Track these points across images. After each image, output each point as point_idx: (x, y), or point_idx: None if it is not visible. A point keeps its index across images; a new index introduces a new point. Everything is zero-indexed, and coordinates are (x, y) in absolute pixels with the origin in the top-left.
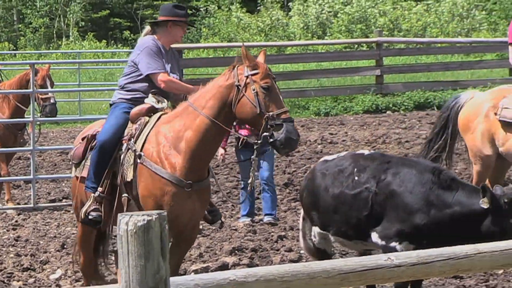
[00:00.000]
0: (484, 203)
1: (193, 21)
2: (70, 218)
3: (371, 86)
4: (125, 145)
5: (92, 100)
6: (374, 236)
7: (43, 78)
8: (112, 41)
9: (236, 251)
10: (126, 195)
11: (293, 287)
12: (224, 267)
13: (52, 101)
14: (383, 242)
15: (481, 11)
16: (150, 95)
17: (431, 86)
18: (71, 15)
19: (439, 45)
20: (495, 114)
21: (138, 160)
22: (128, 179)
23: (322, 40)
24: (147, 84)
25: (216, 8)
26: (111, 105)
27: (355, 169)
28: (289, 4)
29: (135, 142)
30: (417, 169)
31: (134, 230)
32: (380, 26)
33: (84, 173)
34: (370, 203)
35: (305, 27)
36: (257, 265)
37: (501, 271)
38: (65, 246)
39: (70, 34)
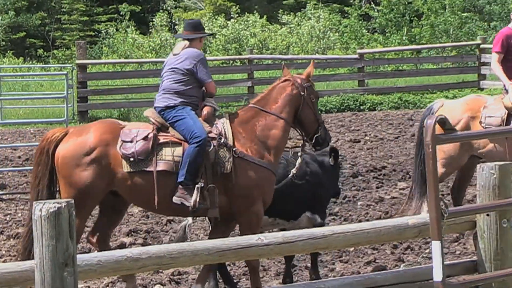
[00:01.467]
0: None
1: (96, 41)
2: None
3: (244, 95)
4: (214, 142)
5: (12, 107)
6: None
7: None
8: (28, 58)
9: (132, 233)
10: (212, 184)
11: (179, 263)
12: (122, 246)
13: None
14: None
15: (334, 33)
16: (208, 99)
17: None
18: None
19: (300, 61)
20: (480, 123)
21: (235, 155)
22: (227, 171)
23: None
24: (201, 90)
25: (115, 30)
26: (168, 107)
27: None
28: (175, 27)
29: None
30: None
31: (47, 215)
32: (251, 45)
33: (161, 167)
34: None
35: None
36: (150, 244)
37: (352, 249)
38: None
39: None
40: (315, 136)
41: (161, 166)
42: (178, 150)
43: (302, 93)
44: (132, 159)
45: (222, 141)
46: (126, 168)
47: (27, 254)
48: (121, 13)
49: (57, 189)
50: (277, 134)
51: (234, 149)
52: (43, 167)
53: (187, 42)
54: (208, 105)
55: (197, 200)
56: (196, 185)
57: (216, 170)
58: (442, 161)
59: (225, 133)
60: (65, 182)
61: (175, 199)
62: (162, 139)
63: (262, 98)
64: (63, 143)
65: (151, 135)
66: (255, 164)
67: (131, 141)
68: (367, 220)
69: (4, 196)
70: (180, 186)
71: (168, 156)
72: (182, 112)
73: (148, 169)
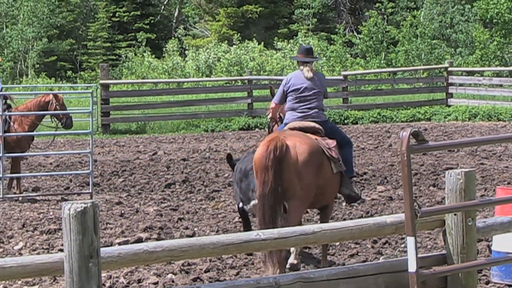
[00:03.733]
0: None
1: (117, 64)
2: (28, 205)
3: (244, 110)
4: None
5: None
6: None
7: (62, 101)
8: (59, 78)
9: (147, 229)
10: None
11: (189, 255)
12: (139, 240)
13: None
14: None
15: (322, 57)
16: None
17: None
18: (29, 60)
19: None
20: None
21: None
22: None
23: (209, 77)
24: None
25: (133, 54)
26: (325, 121)
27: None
28: (185, 52)
29: None
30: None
31: (74, 214)
32: (250, 67)
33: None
34: None
35: (197, 68)
36: (163, 239)
37: (338, 243)
38: (25, 225)
39: (29, 73)
40: None
41: None
42: None
43: None
44: (338, 162)
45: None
46: (334, 169)
47: None
48: (138, 40)
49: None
50: None
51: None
52: (275, 174)
53: (309, 67)
54: None
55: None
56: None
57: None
58: None
59: None
60: (301, 183)
61: (347, 191)
62: None
63: None
64: (298, 150)
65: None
66: None
67: (329, 148)
68: (351, 219)
69: (38, 197)
70: (351, 180)
71: None
72: (331, 124)
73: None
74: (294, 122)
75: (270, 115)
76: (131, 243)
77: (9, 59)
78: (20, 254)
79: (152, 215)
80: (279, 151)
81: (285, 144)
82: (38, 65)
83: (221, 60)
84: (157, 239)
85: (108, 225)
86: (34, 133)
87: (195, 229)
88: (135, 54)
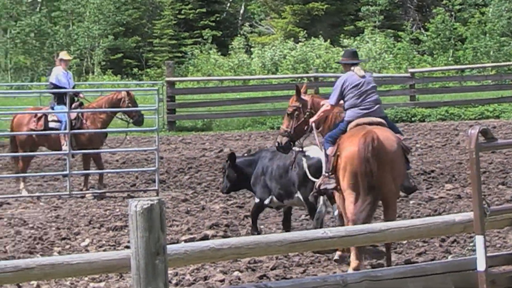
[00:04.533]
0: None
1: (182, 61)
2: (95, 202)
3: None
4: None
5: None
6: None
7: (133, 99)
8: (125, 76)
9: (214, 226)
10: None
11: (255, 252)
12: (205, 238)
13: (140, 113)
14: None
15: (389, 54)
16: None
17: None
18: (95, 57)
19: None
20: None
21: None
22: None
23: (275, 75)
24: None
25: (199, 52)
26: (385, 116)
27: None
28: (251, 49)
29: None
30: None
31: (141, 211)
32: (316, 65)
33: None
34: None
35: (262, 66)
36: (229, 237)
37: (405, 241)
38: (91, 222)
39: (95, 70)
40: None
41: None
42: None
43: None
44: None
45: None
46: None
47: None
48: (204, 37)
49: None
50: None
51: None
52: (373, 166)
53: (359, 67)
54: None
55: None
56: None
57: None
58: None
59: None
60: (393, 174)
61: (406, 182)
62: None
63: None
64: (389, 142)
65: None
66: None
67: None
68: (418, 217)
69: (105, 194)
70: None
71: None
72: (388, 119)
73: None
74: (360, 118)
75: (313, 119)
76: (197, 240)
77: (75, 56)
78: (87, 251)
79: (218, 213)
80: (377, 143)
81: (378, 136)
82: (104, 63)
83: (286, 57)
84: (223, 237)
85: (174, 222)
86: (103, 130)
87: (261, 226)
88: (201, 52)
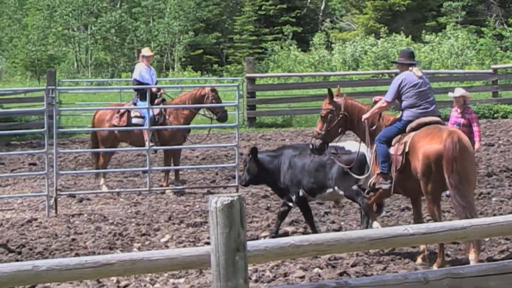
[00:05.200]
0: None
1: (263, 57)
2: (175, 198)
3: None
4: None
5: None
6: None
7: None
8: (205, 72)
9: (294, 223)
10: None
11: (335, 249)
12: (285, 234)
13: (223, 110)
14: None
15: (471, 50)
16: None
17: (439, 105)
18: (176, 53)
19: (441, 75)
20: None
21: None
22: None
23: (356, 71)
24: None
25: (279, 48)
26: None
27: None
28: (332, 45)
29: None
30: None
31: (221, 207)
32: None
33: None
34: None
35: (343, 62)
36: (309, 233)
37: (487, 239)
38: (171, 218)
39: (175, 66)
40: None
41: None
42: None
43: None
44: None
45: None
46: None
47: None
48: (284, 33)
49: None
50: None
51: None
52: (461, 164)
53: (417, 68)
54: None
55: None
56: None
57: None
58: None
59: None
60: (474, 170)
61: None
62: None
63: None
64: (467, 140)
65: None
66: None
67: None
68: (501, 214)
69: (184, 190)
70: None
71: None
72: None
73: None
74: (422, 118)
75: (366, 116)
76: (277, 236)
77: (156, 52)
78: (167, 247)
79: (298, 209)
80: (462, 143)
81: (463, 137)
82: (184, 59)
83: (367, 53)
84: (303, 233)
85: (254, 218)
86: (186, 126)
87: (342, 223)
88: (281, 48)
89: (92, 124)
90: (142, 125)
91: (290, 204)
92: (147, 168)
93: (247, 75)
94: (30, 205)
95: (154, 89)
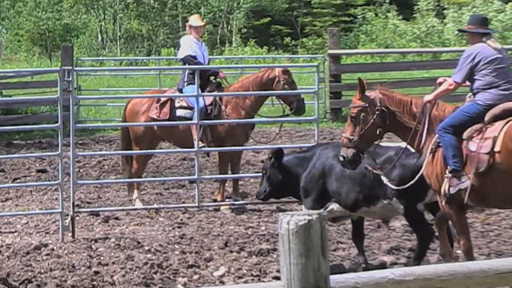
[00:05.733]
0: None
1: (351, 28)
2: (233, 217)
3: None
4: None
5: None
6: None
7: (291, 78)
8: (273, 47)
9: (393, 250)
10: None
11: (451, 286)
12: (382, 265)
13: (300, 98)
14: None
15: None
16: None
17: None
18: (234, 22)
19: None
20: None
21: None
22: None
23: None
24: None
25: (373, 15)
26: None
27: None
28: (443, 11)
29: None
30: None
31: (295, 229)
32: None
33: None
34: None
35: (459, 34)
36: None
37: None
38: (228, 244)
39: (233, 40)
40: None
41: None
42: None
43: None
44: None
45: None
46: None
47: None
48: None
49: None
50: None
51: None
52: None
53: (492, 38)
54: None
55: None
56: None
57: None
58: None
59: None
60: None
61: None
62: None
63: None
64: None
65: None
66: None
67: None
68: None
69: (246, 206)
70: None
71: None
72: None
73: None
74: (507, 103)
75: (429, 98)
76: (372, 269)
77: (207, 22)
78: (222, 283)
79: (399, 232)
80: None
81: None
82: (245, 30)
83: (492, 22)
84: (405, 264)
85: (339, 244)
86: (249, 120)
87: (458, 251)
88: (376, 15)
89: (122, 117)
90: (190, 119)
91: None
92: (195, 176)
93: (330, 51)
94: (39, 226)
95: (218, 74)
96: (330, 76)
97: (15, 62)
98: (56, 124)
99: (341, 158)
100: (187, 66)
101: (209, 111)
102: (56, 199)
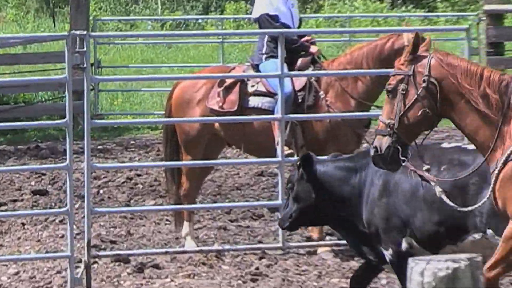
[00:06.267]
0: None
1: None
2: (337, 264)
3: None
4: None
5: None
6: None
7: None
8: (399, 1)
9: None
10: None
11: None
12: None
13: None
14: None
15: None
16: None
17: None
18: None
19: None
20: None
21: None
22: None
23: None
24: None
25: None
26: None
27: None
28: None
29: None
30: None
31: (434, 284)
32: None
33: None
34: None
35: None
36: None
37: None
38: None
39: None
40: None
41: None
42: None
43: None
44: None
45: None
46: None
47: None
48: None
49: None
50: None
51: None
52: None
53: None
54: None
55: None
56: None
57: None
58: None
59: None
60: None
61: None
62: None
63: None
64: None
65: None
66: None
67: None
68: None
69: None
70: None
71: None
72: None
73: None
74: None
75: None
76: None
77: None
78: None
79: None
80: None
81: None
82: None
83: None
84: None
85: None
86: (362, 113)
87: None
88: None
89: (166, 109)
90: (271, 112)
91: (376, 262)
92: (279, 201)
93: (487, 7)
94: (35, 278)
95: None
96: (487, 45)
97: (3, 25)
98: (63, 120)
99: (373, 151)
100: (265, 30)
101: (300, 100)
102: (63, 236)
